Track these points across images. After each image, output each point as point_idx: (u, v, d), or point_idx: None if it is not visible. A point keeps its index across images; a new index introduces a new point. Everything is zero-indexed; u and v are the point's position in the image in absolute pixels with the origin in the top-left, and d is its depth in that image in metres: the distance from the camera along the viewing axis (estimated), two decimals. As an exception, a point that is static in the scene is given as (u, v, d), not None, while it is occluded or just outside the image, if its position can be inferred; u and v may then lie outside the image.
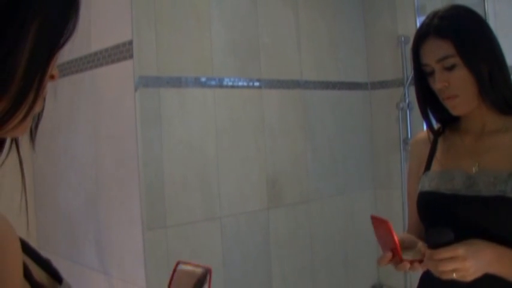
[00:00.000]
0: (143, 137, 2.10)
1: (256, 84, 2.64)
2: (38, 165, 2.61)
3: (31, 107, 0.52)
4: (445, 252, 1.11)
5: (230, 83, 2.53)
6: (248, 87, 2.61)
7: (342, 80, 3.07)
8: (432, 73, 1.28)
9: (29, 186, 2.63)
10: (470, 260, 1.10)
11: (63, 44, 0.53)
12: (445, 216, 1.28)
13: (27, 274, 0.56)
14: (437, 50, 1.25)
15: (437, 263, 1.11)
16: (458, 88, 1.25)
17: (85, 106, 2.32)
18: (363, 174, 3.17)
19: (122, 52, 2.03)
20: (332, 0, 3.05)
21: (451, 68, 1.24)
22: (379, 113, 3.16)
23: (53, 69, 0.55)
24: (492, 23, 2.67)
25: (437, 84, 1.26)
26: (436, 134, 1.41)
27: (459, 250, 1.10)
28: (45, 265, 0.63)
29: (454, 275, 1.10)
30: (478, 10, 2.76)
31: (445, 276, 1.11)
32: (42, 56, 0.51)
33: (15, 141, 0.58)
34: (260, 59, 2.66)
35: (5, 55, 0.47)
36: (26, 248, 0.61)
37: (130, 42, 1.97)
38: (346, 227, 3.06)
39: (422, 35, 1.29)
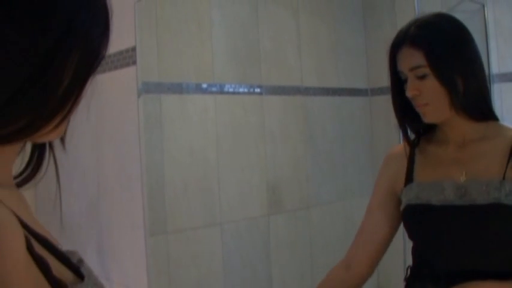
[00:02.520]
0: (145, 143, 2.11)
1: (257, 90, 2.65)
2: (44, 172, 2.61)
3: (66, 116, 0.60)
4: None
5: (231, 89, 2.54)
6: (249, 93, 2.62)
7: (342, 86, 3.08)
8: (406, 80, 1.28)
9: (30, 191, 2.63)
10: None
11: (98, 66, 0.61)
12: (439, 229, 1.26)
13: (45, 270, 0.58)
14: (410, 59, 1.25)
15: None
16: (429, 97, 1.25)
17: (88, 112, 2.32)
18: (363, 180, 3.18)
19: (125, 58, 2.04)
20: (333, 7, 3.07)
21: (422, 77, 1.24)
22: (379, 119, 3.17)
23: None
24: (492, 29, 2.68)
25: (408, 92, 1.26)
26: (412, 145, 1.39)
27: None
28: (66, 261, 0.66)
29: None
30: (478, 17, 2.80)
31: None
32: (81, 78, 0.59)
33: (50, 144, 0.67)
34: (261, 65, 2.67)
35: (52, 78, 0.56)
36: (49, 246, 0.64)
37: (134, 49, 1.98)
38: (346, 233, 3.06)
39: (398, 43, 1.29)
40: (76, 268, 0.66)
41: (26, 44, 0.53)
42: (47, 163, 0.67)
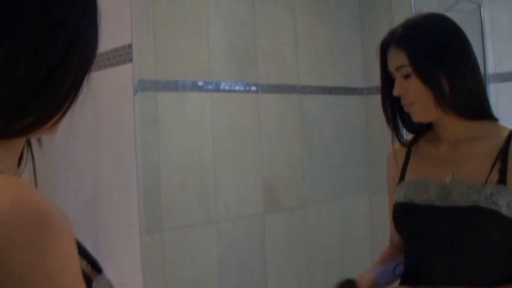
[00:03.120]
0: (141, 141, 2.11)
1: (253, 88, 2.65)
2: (36, 168, 2.60)
3: (65, 112, 0.66)
4: None
5: (227, 88, 2.53)
6: (245, 91, 2.62)
7: (338, 85, 3.08)
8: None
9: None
10: None
11: (92, 63, 0.68)
12: (420, 228, 1.28)
13: None
14: (396, 59, 1.27)
15: None
16: (414, 96, 1.26)
17: (84, 109, 2.32)
18: (359, 179, 3.18)
19: (121, 56, 2.04)
20: (329, 6, 3.07)
21: (407, 77, 1.25)
22: (375, 118, 3.17)
23: None
24: (488, 29, 2.69)
25: (394, 91, 1.28)
26: (409, 144, 1.40)
27: None
28: (85, 254, 0.70)
29: None
30: (475, 17, 2.80)
31: None
32: (80, 78, 0.66)
33: (28, 141, 0.71)
34: (257, 63, 2.67)
35: (63, 78, 0.63)
36: None
37: (130, 46, 1.98)
38: (342, 232, 3.07)
39: (386, 43, 1.31)
40: (92, 260, 0.70)
41: (41, 52, 0.60)
42: (26, 159, 0.72)
